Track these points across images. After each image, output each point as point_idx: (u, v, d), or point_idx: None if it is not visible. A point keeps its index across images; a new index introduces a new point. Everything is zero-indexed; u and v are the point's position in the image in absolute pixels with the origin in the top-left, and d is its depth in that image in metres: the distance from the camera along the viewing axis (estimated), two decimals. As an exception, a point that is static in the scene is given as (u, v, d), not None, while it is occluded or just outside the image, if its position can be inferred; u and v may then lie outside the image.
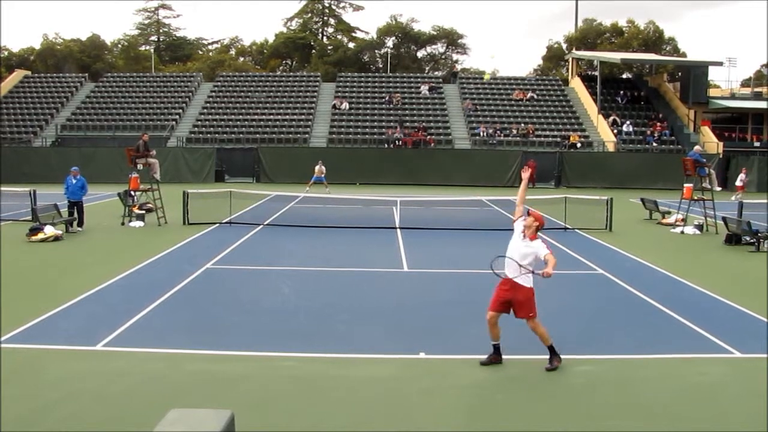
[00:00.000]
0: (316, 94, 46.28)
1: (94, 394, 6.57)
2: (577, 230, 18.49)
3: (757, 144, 41.30)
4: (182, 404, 5.63)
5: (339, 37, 74.82)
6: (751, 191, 33.50)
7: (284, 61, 74.35)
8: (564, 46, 62.62)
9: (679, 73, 49.27)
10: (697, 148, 21.37)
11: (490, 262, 7.19)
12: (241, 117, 42.86)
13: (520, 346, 8.31)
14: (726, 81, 51.55)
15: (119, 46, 72.30)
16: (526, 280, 7.28)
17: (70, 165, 20.37)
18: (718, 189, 21.16)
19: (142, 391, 6.67)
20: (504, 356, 7.90)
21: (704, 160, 20.03)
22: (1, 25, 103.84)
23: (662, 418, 6.20)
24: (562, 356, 7.89)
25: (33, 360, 7.58)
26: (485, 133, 40.69)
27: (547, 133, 41.20)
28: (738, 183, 30.83)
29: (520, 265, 7.20)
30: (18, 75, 48.73)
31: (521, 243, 7.29)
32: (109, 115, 43.03)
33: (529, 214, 7.51)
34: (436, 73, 64.55)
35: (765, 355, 7.85)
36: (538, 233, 7.46)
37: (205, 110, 43.82)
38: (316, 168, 31.36)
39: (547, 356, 7.51)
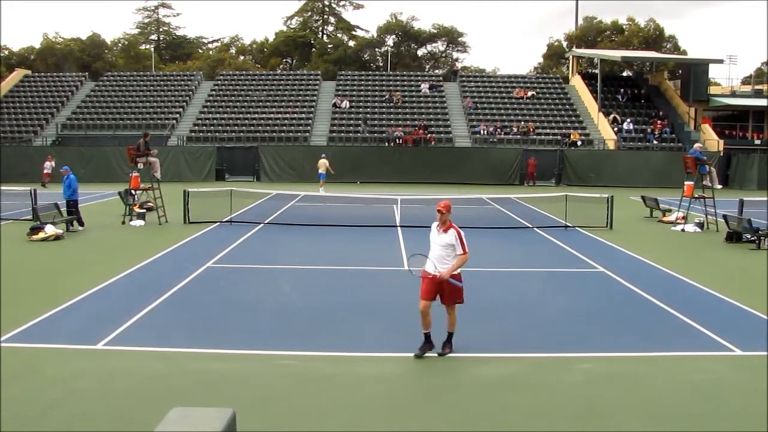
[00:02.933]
0: (316, 92, 46.26)
1: (95, 394, 6.57)
2: (577, 228, 18.49)
3: (757, 142, 41.27)
4: (183, 403, 5.63)
5: (339, 35, 74.80)
6: (751, 189, 33.49)
7: (284, 60, 74.35)
8: (564, 44, 62.60)
9: (680, 71, 49.25)
10: (697, 145, 21.31)
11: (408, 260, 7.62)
12: (241, 116, 42.85)
13: (519, 344, 8.33)
14: (726, 79, 51.54)
15: (119, 45, 72.27)
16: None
17: (71, 164, 20.43)
18: (719, 187, 21.15)
19: (143, 390, 6.67)
20: (504, 354, 7.92)
21: (705, 157, 20.02)
22: (1, 24, 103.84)
23: (663, 416, 6.20)
24: (562, 354, 7.92)
25: (34, 359, 7.59)
26: (486, 132, 40.68)
27: (548, 131, 41.18)
28: None
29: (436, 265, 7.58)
30: (18, 74, 48.73)
31: (438, 237, 7.65)
32: (110, 114, 43.05)
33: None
34: (437, 71, 64.49)
35: (765, 353, 7.86)
36: (453, 222, 7.73)
37: (206, 109, 43.82)
38: (321, 162, 31.03)
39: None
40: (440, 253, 7.58)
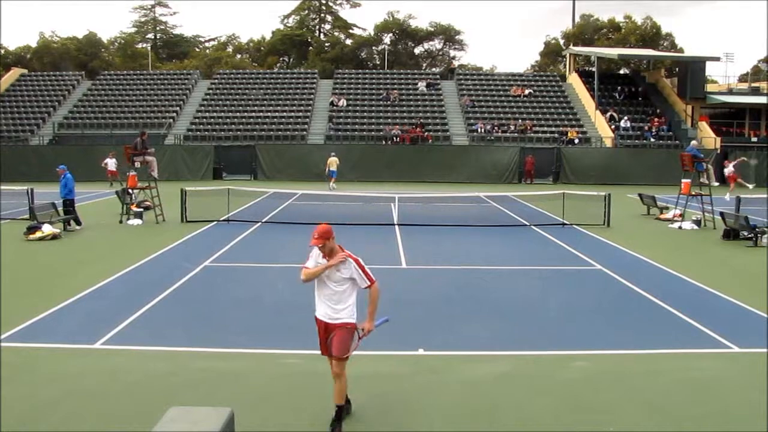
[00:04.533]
0: (313, 91, 46.21)
1: (93, 393, 6.57)
2: (575, 226, 18.51)
3: (754, 139, 41.32)
4: (182, 402, 5.63)
5: (336, 33, 74.80)
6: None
7: (281, 58, 74.27)
8: (561, 41, 62.65)
9: (677, 69, 49.26)
10: (693, 143, 21.36)
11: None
12: (238, 114, 42.80)
13: (516, 342, 8.34)
14: (723, 76, 51.52)
15: (116, 43, 72.16)
16: (348, 315, 5.90)
17: (69, 163, 20.39)
18: (716, 184, 21.15)
19: (141, 389, 6.67)
20: (501, 352, 7.92)
21: (702, 155, 20.04)
22: (1, 23, 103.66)
23: (660, 413, 6.21)
24: (561, 351, 7.92)
25: (32, 359, 7.58)
26: (483, 130, 40.68)
27: (545, 129, 41.19)
28: (728, 172, 26.75)
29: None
30: (15, 73, 48.57)
31: (328, 271, 5.83)
32: (107, 113, 42.95)
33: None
34: (434, 69, 64.51)
35: (763, 350, 7.88)
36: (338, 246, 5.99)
37: (203, 108, 43.74)
38: (332, 159, 31.51)
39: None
40: (335, 290, 5.80)
